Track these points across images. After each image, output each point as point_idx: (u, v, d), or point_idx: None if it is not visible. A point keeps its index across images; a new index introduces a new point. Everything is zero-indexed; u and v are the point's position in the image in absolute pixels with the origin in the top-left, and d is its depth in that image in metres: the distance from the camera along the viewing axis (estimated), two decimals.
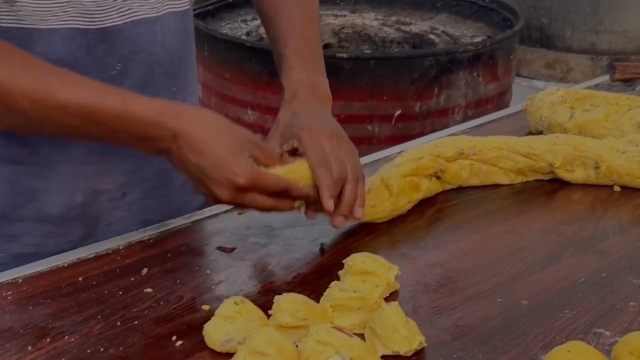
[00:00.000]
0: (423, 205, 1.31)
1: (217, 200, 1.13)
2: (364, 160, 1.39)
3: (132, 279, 1.13)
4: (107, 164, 1.23)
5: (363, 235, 1.23)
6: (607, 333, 1.01)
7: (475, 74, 2.34)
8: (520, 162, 1.39)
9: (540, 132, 1.55)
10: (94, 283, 1.12)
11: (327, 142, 1.16)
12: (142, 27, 1.19)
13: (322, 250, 1.19)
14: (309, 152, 1.15)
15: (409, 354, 0.97)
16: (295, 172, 1.15)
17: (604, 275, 1.13)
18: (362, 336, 1.00)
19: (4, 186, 1.21)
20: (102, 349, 0.98)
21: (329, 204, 1.13)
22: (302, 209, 1.17)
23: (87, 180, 1.22)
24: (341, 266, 1.11)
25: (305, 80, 1.26)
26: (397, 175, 1.29)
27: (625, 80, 1.80)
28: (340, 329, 0.97)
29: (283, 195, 1.13)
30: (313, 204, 1.16)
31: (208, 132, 1.10)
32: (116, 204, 1.26)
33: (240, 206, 1.15)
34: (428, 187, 1.32)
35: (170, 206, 1.30)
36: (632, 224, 1.28)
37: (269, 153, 1.15)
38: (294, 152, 1.18)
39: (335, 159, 1.15)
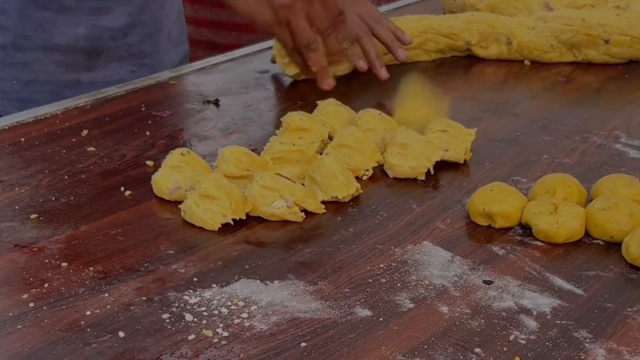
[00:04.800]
0: (348, 77, 1.37)
1: (279, 10, 1.16)
2: None
3: (73, 140, 1.16)
4: (108, 2, 1.34)
5: (295, 101, 1.29)
6: (524, 180, 1.10)
7: None
8: (442, 43, 1.46)
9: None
10: (37, 143, 1.14)
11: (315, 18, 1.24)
12: None
13: (216, 103, 1.27)
14: (296, 32, 1.23)
15: (346, 199, 1.05)
16: None
17: (519, 134, 1.22)
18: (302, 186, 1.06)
19: (15, 17, 1.32)
20: (53, 198, 1.02)
21: (382, 72, 1.33)
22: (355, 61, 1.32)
23: (89, 15, 1.34)
24: (278, 127, 1.17)
25: None
26: None
27: None
28: (283, 176, 1.03)
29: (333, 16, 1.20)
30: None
31: None
32: (118, 43, 1.38)
33: (298, 20, 1.18)
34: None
35: (159, 53, 1.43)
36: (542, 92, 1.38)
37: None
38: None
39: (359, 29, 1.30)
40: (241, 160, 1.05)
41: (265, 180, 1.01)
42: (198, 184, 0.99)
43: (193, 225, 0.98)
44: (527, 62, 1.47)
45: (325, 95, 1.24)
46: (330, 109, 1.19)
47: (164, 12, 1.42)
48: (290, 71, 1.34)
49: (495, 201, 1.00)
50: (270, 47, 1.44)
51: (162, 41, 1.44)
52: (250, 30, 2.37)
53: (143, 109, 1.26)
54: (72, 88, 1.35)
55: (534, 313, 0.85)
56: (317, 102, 1.21)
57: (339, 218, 1.02)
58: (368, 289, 0.88)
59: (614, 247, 0.97)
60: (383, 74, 1.34)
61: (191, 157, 1.05)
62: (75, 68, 1.36)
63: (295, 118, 1.14)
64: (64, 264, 0.90)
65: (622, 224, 0.96)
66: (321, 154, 1.11)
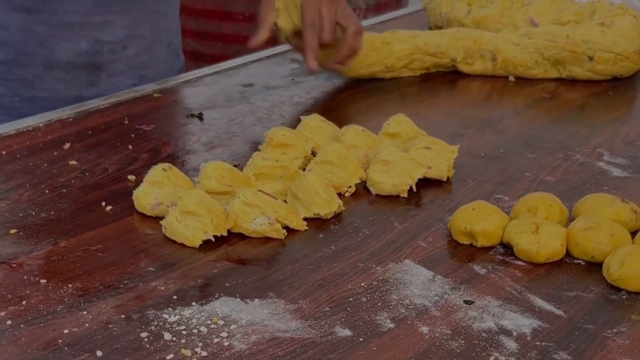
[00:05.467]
0: (333, 91, 1.37)
1: None
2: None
3: (55, 153, 1.15)
4: (110, 16, 1.34)
5: (279, 115, 1.29)
6: (506, 198, 1.10)
7: None
8: (428, 61, 1.46)
9: (439, 29, 1.63)
10: (18, 156, 1.14)
11: (325, 7, 1.31)
12: None
13: (200, 117, 1.27)
14: (305, 12, 1.31)
15: (328, 216, 1.04)
16: None
17: (502, 151, 1.23)
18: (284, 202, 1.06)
19: (16, 33, 1.31)
20: (33, 213, 1.01)
21: (312, 64, 1.31)
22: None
23: (92, 29, 1.33)
24: (261, 142, 1.17)
25: None
26: None
27: None
28: (265, 192, 1.03)
29: None
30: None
31: None
32: (117, 57, 1.37)
33: None
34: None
35: (159, 65, 1.43)
36: (526, 108, 1.38)
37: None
38: None
39: (328, 24, 1.31)
40: (223, 176, 1.05)
41: (247, 196, 1.01)
42: (179, 199, 0.99)
43: (174, 242, 0.98)
44: (511, 78, 1.47)
45: (309, 110, 1.24)
46: (313, 125, 1.19)
47: (163, 23, 1.42)
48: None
49: (477, 220, 1.00)
50: (257, 60, 1.44)
51: (162, 53, 1.44)
52: (236, 41, 2.37)
53: (126, 122, 1.25)
54: (74, 104, 1.35)
55: (514, 334, 0.85)
56: (300, 117, 1.21)
57: (321, 235, 1.01)
58: (349, 308, 0.88)
59: (595, 267, 0.97)
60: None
61: (173, 172, 1.04)
62: (77, 84, 1.35)
63: (278, 134, 1.14)
64: (43, 281, 0.89)
65: (604, 244, 0.97)
66: (304, 169, 1.11)
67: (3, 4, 1.30)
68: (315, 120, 1.19)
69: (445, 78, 1.47)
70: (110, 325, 0.83)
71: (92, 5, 1.31)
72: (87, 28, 1.33)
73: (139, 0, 1.36)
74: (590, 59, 1.44)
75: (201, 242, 0.97)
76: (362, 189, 1.11)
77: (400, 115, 1.20)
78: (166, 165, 1.05)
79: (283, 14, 1.32)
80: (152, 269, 0.93)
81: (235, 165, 1.12)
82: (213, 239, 0.98)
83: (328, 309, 0.88)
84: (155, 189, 1.03)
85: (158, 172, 1.04)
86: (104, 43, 1.35)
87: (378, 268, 0.95)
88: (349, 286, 0.92)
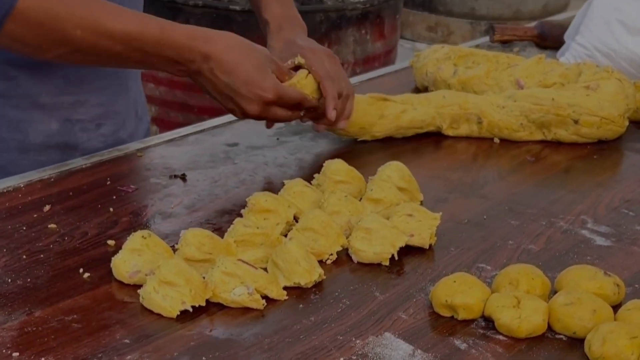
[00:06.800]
0: (317, 152, 1.37)
1: (246, 115, 1.24)
2: None
3: (35, 216, 1.14)
4: (82, 95, 1.31)
5: (262, 177, 1.29)
6: (489, 267, 1.09)
7: (363, 32, 2.42)
8: (411, 132, 1.46)
9: (425, 88, 1.63)
10: None
11: (327, 59, 1.31)
12: None
13: (183, 178, 1.27)
14: (315, 66, 1.30)
15: (309, 285, 1.03)
16: (305, 86, 1.28)
17: (485, 217, 1.22)
18: (264, 270, 1.05)
19: None
20: (9, 280, 1.00)
21: (332, 113, 1.29)
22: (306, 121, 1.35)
23: (62, 109, 1.30)
24: (244, 205, 1.16)
25: (284, 13, 1.40)
26: None
27: (504, 42, 1.90)
28: (245, 262, 1.02)
29: (296, 107, 1.27)
30: (316, 115, 1.32)
31: (235, 54, 1.21)
32: (91, 135, 1.34)
33: (263, 119, 1.27)
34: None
35: (132, 137, 1.40)
36: (510, 172, 1.37)
37: (282, 69, 1.28)
38: (295, 69, 1.32)
39: (336, 74, 1.31)
40: (203, 243, 1.04)
41: (226, 266, 1.00)
42: (158, 269, 0.98)
43: (151, 312, 0.97)
44: (496, 140, 1.46)
45: (293, 175, 1.23)
46: (296, 190, 1.18)
47: (134, 96, 1.40)
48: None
49: (458, 293, 0.99)
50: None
51: (133, 124, 1.42)
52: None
53: (108, 182, 1.24)
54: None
55: None
56: (284, 181, 1.20)
57: (301, 305, 1.00)
58: None
59: (576, 343, 0.96)
60: (342, 125, 1.35)
61: (152, 240, 1.03)
62: (51, 165, 1.30)
63: (260, 200, 1.13)
64: (15, 354, 0.88)
65: (585, 320, 0.96)
66: (286, 235, 1.10)
67: None
68: (298, 186, 1.19)
69: (430, 139, 1.46)
70: None
71: (63, 85, 1.29)
72: (58, 108, 1.30)
73: (114, 77, 1.34)
74: (576, 122, 1.44)
75: (179, 313, 0.96)
76: (344, 256, 1.10)
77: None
78: (145, 232, 1.04)
79: None
80: (127, 341, 0.91)
81: (216, 229, 1.11)
82: (191, 310, 0.97)
83: None
84: (134, 257, 1.02)
85: (137, 239, 1.03)
86: (75, 122, 1.32)
87: (358, 341, 0.94)
88: None
